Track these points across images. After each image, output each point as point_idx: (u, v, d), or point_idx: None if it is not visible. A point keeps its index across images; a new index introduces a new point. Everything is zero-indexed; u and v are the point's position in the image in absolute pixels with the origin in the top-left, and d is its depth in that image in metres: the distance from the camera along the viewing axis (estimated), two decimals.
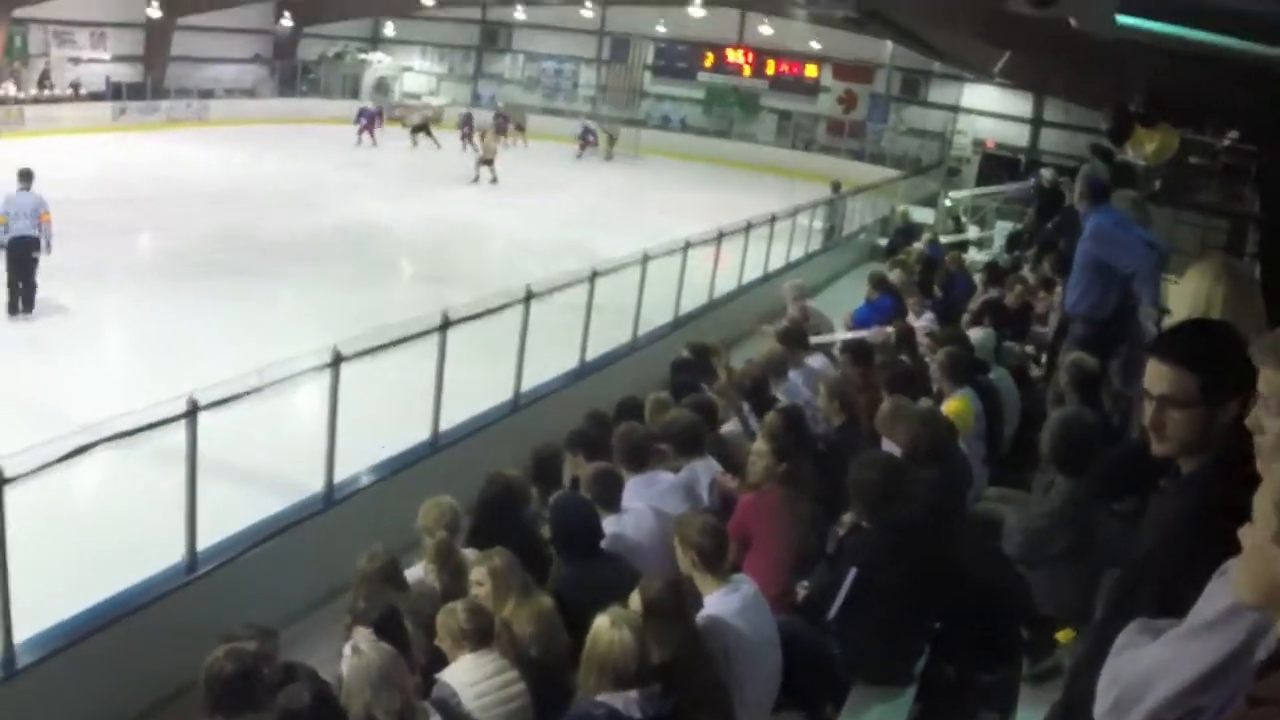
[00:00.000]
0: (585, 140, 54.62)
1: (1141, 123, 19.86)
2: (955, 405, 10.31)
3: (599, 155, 54.02)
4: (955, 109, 55.15)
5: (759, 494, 8.37)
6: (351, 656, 5.95)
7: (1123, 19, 10.16)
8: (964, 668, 7.73)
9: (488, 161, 41.96)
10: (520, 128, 56.14)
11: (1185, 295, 6.43)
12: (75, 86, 49.78)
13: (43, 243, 19.13)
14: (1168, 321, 8.56)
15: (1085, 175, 11.65)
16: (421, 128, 50.39)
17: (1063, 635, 6.92)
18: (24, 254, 19.00)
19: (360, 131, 50.20)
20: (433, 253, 27.30)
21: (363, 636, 6.17)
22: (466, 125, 50.69)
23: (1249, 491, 2.56)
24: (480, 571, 7.01)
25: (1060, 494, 7.32)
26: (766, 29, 55.71)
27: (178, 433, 9.15)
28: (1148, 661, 3.31)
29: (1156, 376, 3.86)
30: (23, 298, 18.94)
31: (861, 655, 7.27)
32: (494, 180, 40.93)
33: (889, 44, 50.95)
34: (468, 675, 6.31)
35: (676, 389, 11.45)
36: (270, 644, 6.70)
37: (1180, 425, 3.83)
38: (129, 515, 12.00)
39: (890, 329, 13.99)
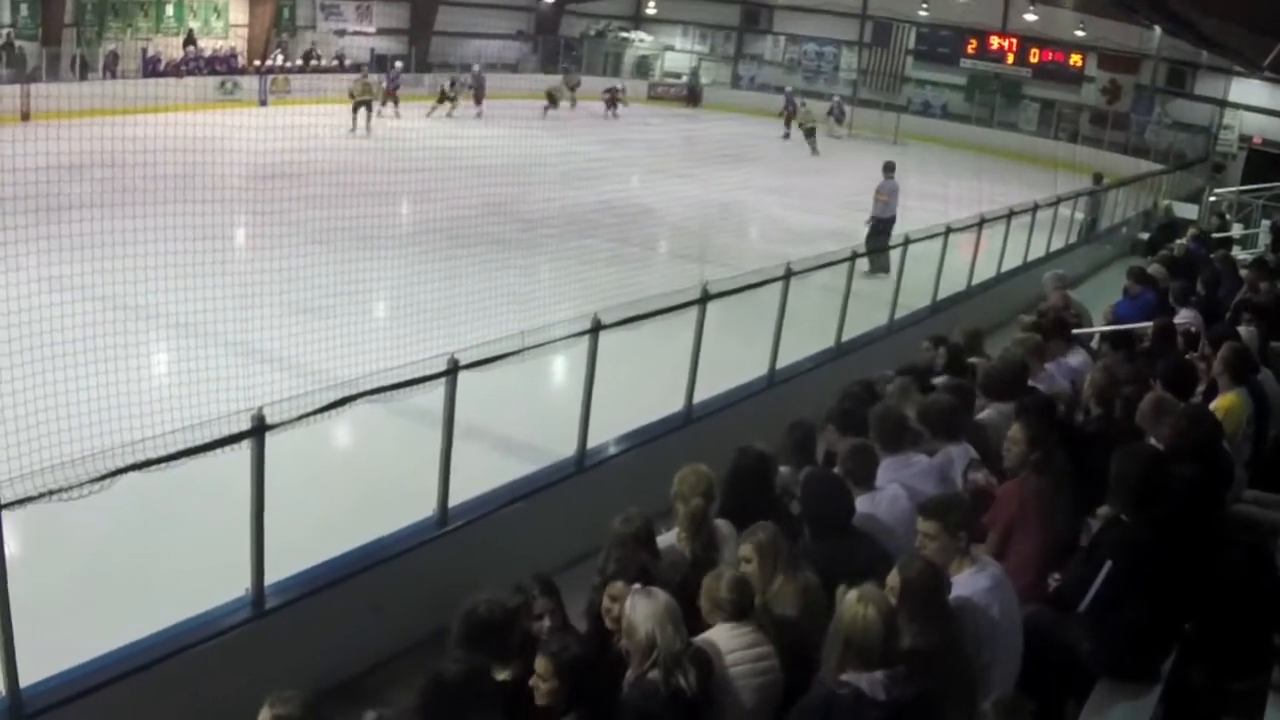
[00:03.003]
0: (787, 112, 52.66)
1: None
2: (1229, 402, 10.09)
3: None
4: (1222, 103, 53.73)
5: (1018, 482, 8.30)
6: (642, 594, 6.05)
7: None
8: (1213, 671, 7.56)
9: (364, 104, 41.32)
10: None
11: None
12: (340, 59, 51.35)
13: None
14: None
15: None
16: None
17: None
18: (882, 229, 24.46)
19: None
20: (692, 232, 27.35)
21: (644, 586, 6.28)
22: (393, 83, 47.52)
23: None
24: (747, 548, 6.97)
25: None
26: (1031, 16, 55.11)
27: (436, 392, 9.40)
28: None
29: None
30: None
31: (1109, 650, 7.16)
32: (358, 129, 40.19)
33: (1156, 34, 49.76)
34: (723, 643, 6.34)
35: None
36: (547, 601, 6.87)
37: None
38: (385, 469, 12.32)
39: (1151, 324, 13.72)
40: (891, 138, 53.39)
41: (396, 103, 45.57)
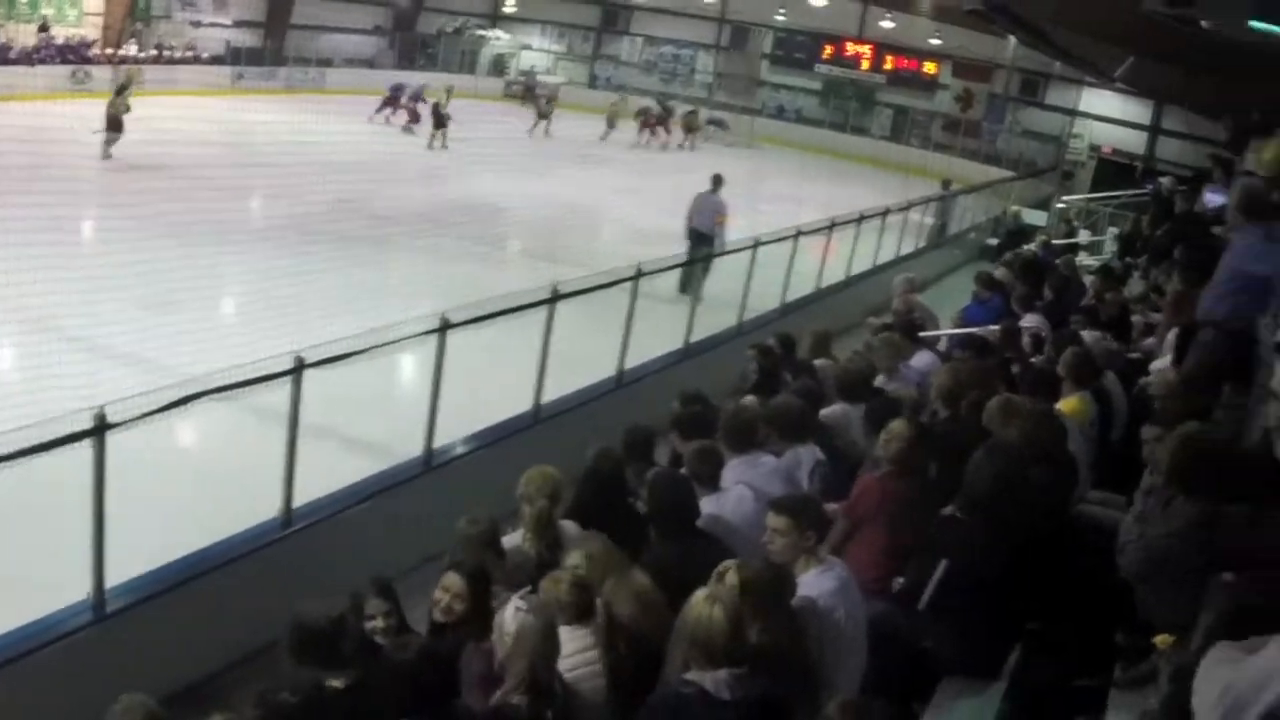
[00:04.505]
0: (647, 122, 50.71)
1: (1260, 133, 19.65)
2: (1072, 404, 10.23)
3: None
4: (1073, 113, 55.07)
5: (879, 478, 8.33)
6: (523, 613, 5.98)
7: (1257, 23, 10.02)
8: (1058, 669, 7.64)
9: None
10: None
11: None
12: (192, 50, 50.38)
13: (715, 241, 21.75)
14: None
15: (1244, 189, 11.07)
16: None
17: (1160, 640, 6.74)
18: (697, 245, 21.63)
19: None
20: (544, 232, 27.38)
21: (525, 599, 6.22)
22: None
23: None
24: (577, 555, 7.01)
25: (1182, 515, 7.01)
26: (888, 23, 55.85)
27: (282, 390, 9.24)
28: (1261, 666, 3.30)
29: None
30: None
31: (951, 647, 7.23)
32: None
33: (1010, 44, 50.53)
34: (563, 646, 6.30)
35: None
36: (381, 603, 6.80)
37: None
38: (228, 469, 12.07)
39: (997, 328, 13.91)
40: (746, 141, 53.69)
41: (418, 120, 42.75)
